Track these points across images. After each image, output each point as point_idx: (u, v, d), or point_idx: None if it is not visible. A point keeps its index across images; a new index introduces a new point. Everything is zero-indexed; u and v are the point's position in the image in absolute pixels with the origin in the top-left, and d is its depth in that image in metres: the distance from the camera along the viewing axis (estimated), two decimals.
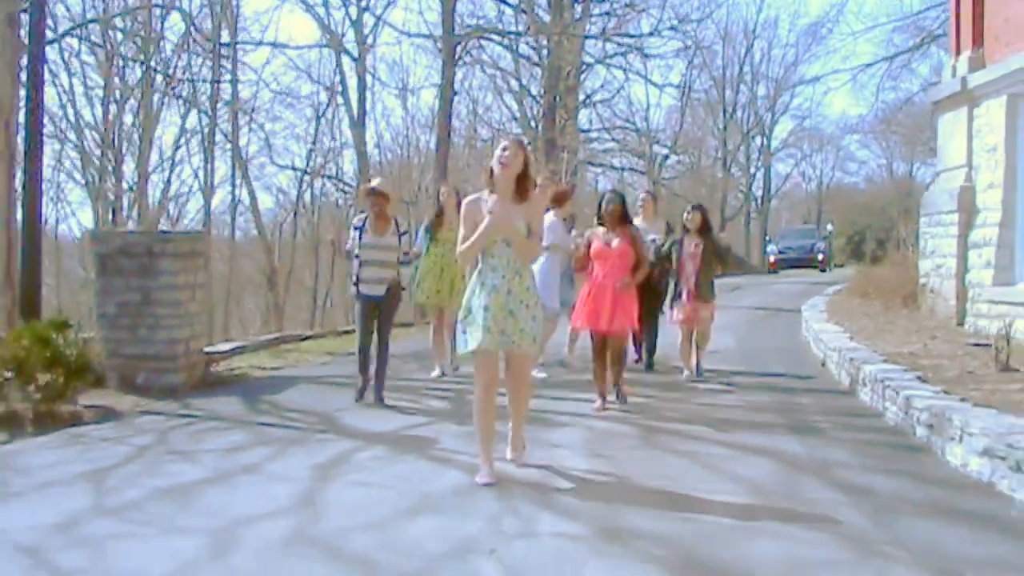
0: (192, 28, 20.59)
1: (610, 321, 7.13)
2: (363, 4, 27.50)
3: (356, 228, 8.10)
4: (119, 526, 4.44)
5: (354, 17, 27.33)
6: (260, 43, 23.23)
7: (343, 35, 27.66)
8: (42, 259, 9.53)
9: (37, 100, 9.28)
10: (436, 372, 9.04)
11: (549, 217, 8.39)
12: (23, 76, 11.12)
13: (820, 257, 32.60)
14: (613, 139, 37.62)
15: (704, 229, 8.78)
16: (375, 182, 8.32)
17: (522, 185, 5.17)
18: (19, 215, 10.55)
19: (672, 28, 34.95)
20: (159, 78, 22.75)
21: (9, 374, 7.65)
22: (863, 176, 55.87)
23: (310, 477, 5.28)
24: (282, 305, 24.74)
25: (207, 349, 10.23)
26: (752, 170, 52.27)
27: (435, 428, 6.71)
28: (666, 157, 41.82)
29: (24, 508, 4.79)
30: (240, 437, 6.58)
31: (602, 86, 34.67)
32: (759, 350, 10.90)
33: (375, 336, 7.89)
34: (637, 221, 8.73)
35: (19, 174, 11.07)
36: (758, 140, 51.68)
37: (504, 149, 5.17)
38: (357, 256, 7.92)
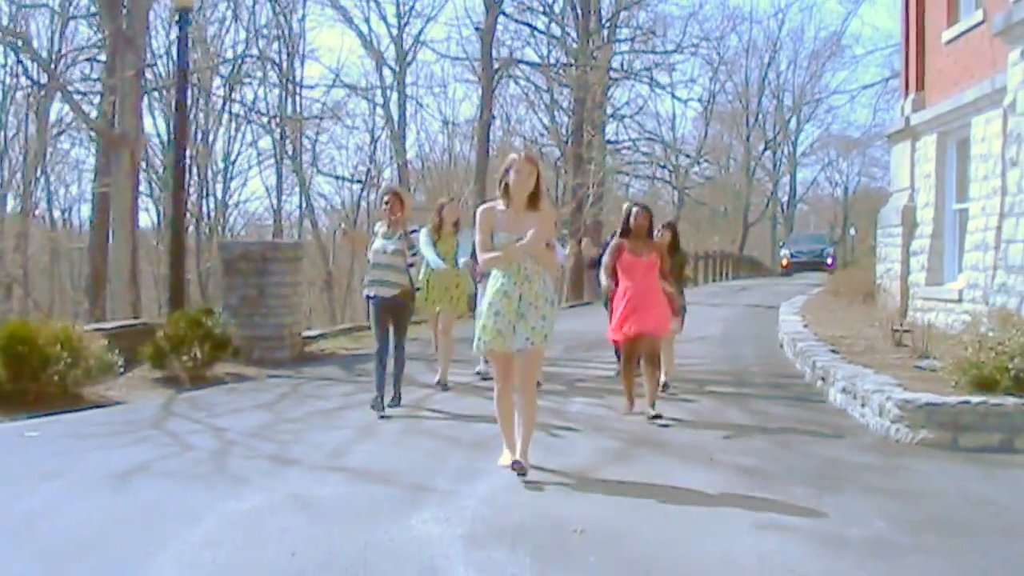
0: (275, 70, 23.59)
1: (645, 323, 7.32)
2: (403, 22, 30.71)
3: (374, 234, 8.29)
4: (298, 426, 7.30)
5: (394, 34, 30.62)
6: (330, 86, 26.43)
7: (384, 49, 30.90)
8: (185, 259, 12.37)
9: (182, 134, 12.10)
10: (437, 377, 9.37)
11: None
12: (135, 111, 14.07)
13: (829, 261, 34.88)
14: (640, 151, 40.09)
15: (674, 246, 8.88)
16: (394, 186, 9.45)
17: (534, 198, 5.46)
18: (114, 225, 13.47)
19: (694, 45, 37.66)
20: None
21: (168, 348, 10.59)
22: (888, 181, 57.41)
23: (407, 406, 8.07)
24: (337, 304, 27.72)
25: (303, 333, 13.16)
26: (778, 176, 54.61)
27: (486, 383, 9.48)
28: (691, 166, 44.25)
29: (232, 421, 7.63)
30: (349, 388, 9.45)
31: (627, 103, 37.23)
32: (737, 336, 13.63)
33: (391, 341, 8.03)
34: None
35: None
36: (784, 146, 54.00)
37: (518, 172, 5.40)
38: (370, 260, 8.18)
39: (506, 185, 5.44)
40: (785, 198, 56.24)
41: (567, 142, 32.04)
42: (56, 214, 30.88)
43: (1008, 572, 3.96)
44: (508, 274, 5.47)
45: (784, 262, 36.58)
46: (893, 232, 14.32)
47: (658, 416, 7.15)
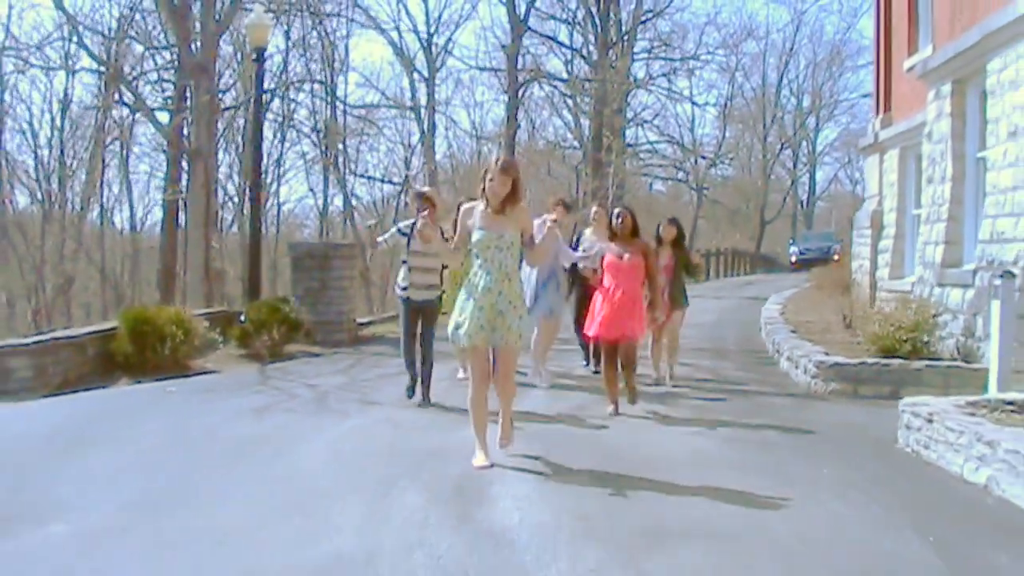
0: (323, 88, 26.13)
1: (621, 328, 7.53)
2: (432, 31, 33.23)
3: (403, 233, 8.32)
4: (371, 383, 9.69)
5: (424, 43, 33.18)
6: (373, 105, 29.08)
7: (414, 56, 33.47)
8: (261, 258, 14.81)
9: (257, 156, 14.53)
10: (461, 374, 9.55)
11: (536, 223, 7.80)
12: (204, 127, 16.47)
13: (836, 258, 36.70)
14: (658, 152, 42.16)
15: (677, 241, 9.42)
16: (424, 188, 9.47)
17: (509, 201, 5.65)
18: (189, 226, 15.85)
19: (709, 53, 39.75)
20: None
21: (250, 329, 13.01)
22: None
23: (449, 372, 10.39)
24: (375, 298, 30.20)
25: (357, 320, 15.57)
26: (797, 174, 56.32)
27: None
28: (709, 167, 46.27)
29: (319, 380, 10.02)
30: (401, 360, 11.79)
31: (645, 108, 39.40)
32: (728, 322, 15.89)
33: (419, 339, 8.36)
34: (588, 232, 10.01)
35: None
36: (804, 145, 55.60)
37: (491, 180, 5.61)
38: (405, 262, 8.35)
39: (483, 189, 5.72)
40: (805, 195, 57.97)
41: (588, 145, 34.19)
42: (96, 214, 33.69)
43: (838, 456, 6.23)
44: (490, 271, 5.70)
45: (793, 259, 38.49)
46: (864, 233, 16.50)
47: (619, 413, 7.59)
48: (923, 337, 9.12)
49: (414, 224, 8.09)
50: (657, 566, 3.96)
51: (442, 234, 7.76)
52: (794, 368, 9.61)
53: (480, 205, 5.76)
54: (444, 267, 8.29)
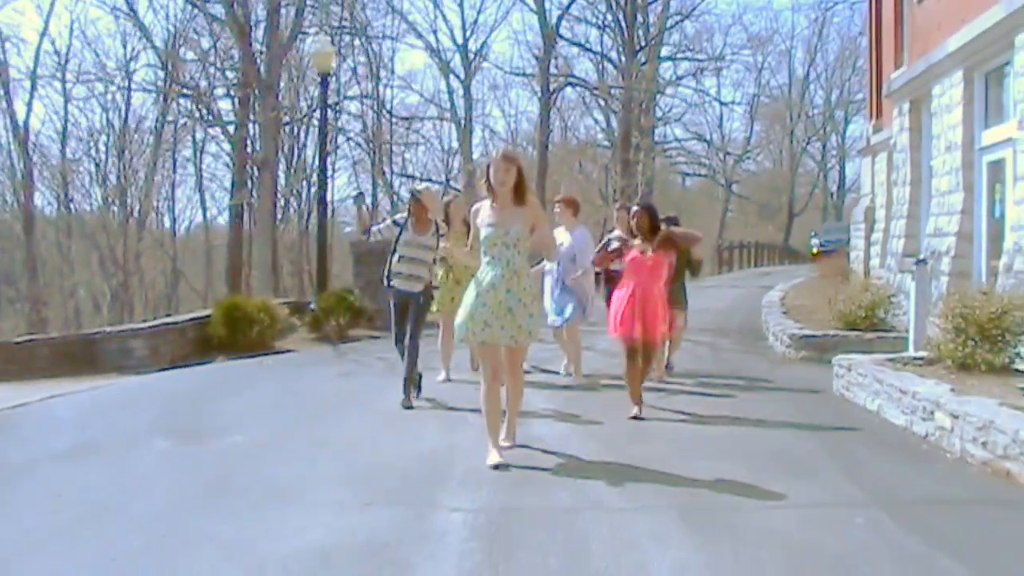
0: (371, 101, 28.52)
1: (645, 327, 7.41)
2: (467, 35, 35.43)
3: (397, 223, 8.34)
4: (431, 357, 11.59)
5: (460, 47, 35.39)
6: (421, 118, 31.49)
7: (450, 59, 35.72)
8: (328, 254, 17.10)
9: (324, 169, 16.80)
10: (441, 376, 9.69)
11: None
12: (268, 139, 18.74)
13: None
14: (686, 149, 44.01)
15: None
16: (420, 187, 9.57)
17: (518, 193, 5.65)
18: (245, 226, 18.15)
19: (733, 54, 41.56)
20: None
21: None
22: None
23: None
24: None
25: None
26: (826, 166, 57.71)
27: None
28: (737, 162, 48.05)
29: (386, 355, 12.14)
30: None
31: (671, 109, 41.32)
32: (737, 307, 17.91)
33: (405, 341, 8.37)
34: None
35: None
36: (833, 138, 56.88)
37: (496, 169, 5.63)
38: (394, 250, 8.29)
39: (489, 183, 5.70)
40: (835, 187, 59.19)
41: (617, 144, 36.15)
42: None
43: (783, 398, 8.30)
44: (497, 267, 5.70)
45: (815, 250, 40.14)
46: (860, 227, 18.48)
47: (643, 415, 7.32)
48: (879, 314, 11.12)
49: (407, 217, 8.29)
50: (635, 450, 6.14)
51: (437, 228, 8.27)
52: (776, 341, 11.67)
53: (487, 203, 5.80)
54: (435, 260, 8.45)
